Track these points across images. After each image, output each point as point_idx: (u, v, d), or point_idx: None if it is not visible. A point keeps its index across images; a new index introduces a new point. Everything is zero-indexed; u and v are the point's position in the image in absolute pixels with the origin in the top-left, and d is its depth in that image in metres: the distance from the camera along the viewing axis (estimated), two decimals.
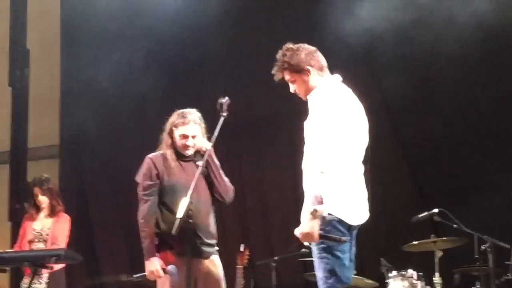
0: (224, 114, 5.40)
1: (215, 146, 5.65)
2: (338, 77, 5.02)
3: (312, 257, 7.66)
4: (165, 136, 5.85)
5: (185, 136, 5.75)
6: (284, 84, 9.47)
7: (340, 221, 4.72)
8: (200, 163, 5.52)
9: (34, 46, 11.14)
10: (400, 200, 8.83)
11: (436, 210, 7.13)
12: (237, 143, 9.69)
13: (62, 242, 7.81)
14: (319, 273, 4.75)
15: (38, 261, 6.59)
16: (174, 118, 5.84)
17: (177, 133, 5.78)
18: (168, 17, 9.60)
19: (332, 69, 5.11)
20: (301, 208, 9.39)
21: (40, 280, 7.64)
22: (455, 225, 7.12)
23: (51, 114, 10.98)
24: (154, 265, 5.60)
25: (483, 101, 8.54)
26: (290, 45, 5.05)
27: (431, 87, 8.77)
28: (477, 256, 7.21)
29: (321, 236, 4.59)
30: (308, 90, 4.94)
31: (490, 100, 8.49)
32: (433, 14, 8.53)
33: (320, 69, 4.97)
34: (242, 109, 9.15)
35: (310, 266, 8.19)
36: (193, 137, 5.76)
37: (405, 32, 8.55)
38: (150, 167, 5.77)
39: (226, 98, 5.44)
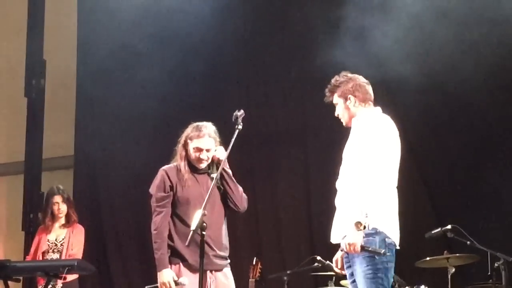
0: (239, 126, 5.43)
1: (229, 158, 5.68)
2: (379, 109, 5.41)
3: (322, 271, 7.73)
4: (179, 148, 5.87)
5: (199, 149, 5.77)
6: (298, 99, 9.60)
7: (395, 245, 5.09)
8: (214, 175, 5.55)
9: (51, 57, 11.19)
10: (413, 216, 8.80)
11: (449, 227, 7.10)
12: (251, 156, 9.69)
13: (78, 252, 7.83)
14: None
15: (51, 271, 6.60)
16: (189, 130, 5.86)
17: (191, 146, 5.79)
18: (185, 30, 9.63)
19: None
20: (313, 221, 9.45)
21: None
22: (468, 242, 7.09)
23: (66, 125, 11.01)
24: (166, 276, 5.60)
25: (499, 119, 8.53)
26: (346, 73, 5.52)
27: (447, 106, 8.75)
28: (490, 273, 7.19)
29: (363, 248, 4.85)
30: (349, 117, 5.41)
31: (506, 119, 8.48)
32: (448, 36, 8.55)
33: (363, 101, 5.39)
34: (256, 122, 9.19)
35: (321, 280, 8.23)
36: (207, 150, 5.78)
37: (420, 52, 8.58)
38: (164, 179, 5.79)
39: (242, 111, 5.47)
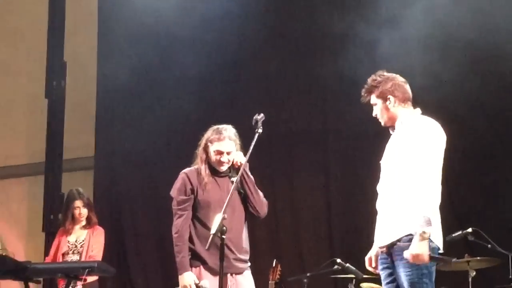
0: (259, 130, 5.40)
1: (249, 162, 5.68)
2: (418, 111, 5.31)
3: (342, 274, 7.72)
4: (200, 151, 5.87)
5: (220, 152, 5.77)
6: (318, 101, 9.58)
7: (438, 249, 5.02)
8: (234, 179, 5.55)
9: (71, 58, 11.23)
10: None
11: (470, 230, 7.07)
12: (270, 158, 9.69)
13: (98, 254, 7.85)
14: None
15: (71, 273, 6.62)
16: (209, 133, 5.86)
17: (212, 148, 5.79)
18: (205, 31, 9.65)
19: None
20: (333, 223, 9.44)
21: None
22: (489, 245, 7.06)
23: (87, 126, 11.05)
24: (187, 280, 5.61)
25: None
26: (383, 72, 5.36)
27: (465, 105, 8.72)
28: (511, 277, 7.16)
29: (431, 258, 4.80)
30: (388, 118, 5.29)
31: None
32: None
33: (403, 101, 5.26)
34: (276, 124, 9.18)
35: (341, 283, 8.23)
36: (228, 153, 5.77)
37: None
38: (185, 182, 5.79)
39: (262, 114, 5.44)
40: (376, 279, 7.54)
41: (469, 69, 8.55)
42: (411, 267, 4.86)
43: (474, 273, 7.38)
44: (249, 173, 5.83)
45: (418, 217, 4.78)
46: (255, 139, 5.38)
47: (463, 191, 8.69)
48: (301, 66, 9.73)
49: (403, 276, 4.93)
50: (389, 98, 5.22)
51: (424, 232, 4.74)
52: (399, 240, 4.94)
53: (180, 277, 5.65)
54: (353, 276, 7.66)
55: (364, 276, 7.57)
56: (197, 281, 5.61)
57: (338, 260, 7.61)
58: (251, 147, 5.40)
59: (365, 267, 7.64)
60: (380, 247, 5.14)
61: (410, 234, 4.84)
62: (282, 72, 9.87)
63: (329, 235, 9.46)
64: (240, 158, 5.78)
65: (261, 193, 5.87)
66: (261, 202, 5.86)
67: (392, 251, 5.01)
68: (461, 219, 8.36)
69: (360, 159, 9.47)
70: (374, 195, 8.99)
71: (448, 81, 8.50)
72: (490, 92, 8.56)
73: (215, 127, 5.89)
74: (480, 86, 8.55)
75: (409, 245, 4.80)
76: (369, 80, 5.34)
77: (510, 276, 7.15)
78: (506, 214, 8.41)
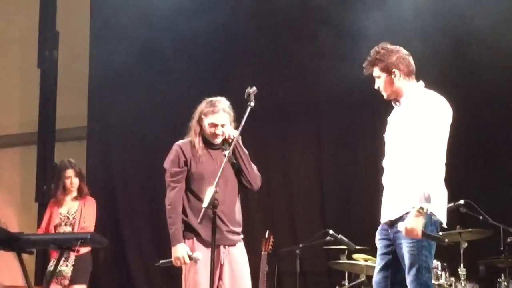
0: (252, 103, 5.39)
1: (242, 135, 5.68)
2: (422, 84, 5.26)
3: (334, 245, 7.75)
4: (193, 124, 5.84)
5: (214, 125, 5.76)
6: (311, 72, 9.57)
7: (441, 224, 5.04)
8: (226, 152, 5.55)
9: (64, 28, 11.18)
10: None
11: (462, 201, 7.12)
12: (263, 131, 9.69)
13: (90, 225, 7.85)
14: (413, 268, 4.92)
15: (64, 244, 6.61)
16: (203, 106, 5.84)
17: (206, 121, 5.78)
18: (198, 5, 9.60)
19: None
20: (326, 195, 9.46)
21: (67, 263, 7.69)
22: (481, 217, 7.10)
23: (79, 96, 11.02)
24: (180, 251, 5.62)
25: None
26: (386, 44, 5.27)
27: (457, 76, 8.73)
28: (503, 248, 7.20)
29: (425, 234, 4.80)
30: (392, 92, 5.22)
31: None
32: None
33: (408, 74, 5.20)
34: (269, 95, 9.16)
35: (333, 254, 8.26)
36: (222, 125, 5.76)
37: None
38: (179, 154, 5.78)
39: (254, 88, 5.42)
40: (368, 251, 7.60)
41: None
42: (411, 239, 4.88)
43: (466, 244, 7.43)
44: (242, 146, 5.83)
45: (418, 193, 4.80)
46: (247, 112, 5.37)
47: (455, 162, 8.70)
48: (293, 39, 9.71)
49: (404, 247, 4.95)
50: (394, 72, 5.16)
51: (421, 208, 4.76)
52: (403, 216, 4.95)
53: (173, 248, 5.66)
54: (345, 247, 7.71)
55: (357, 247, 7.62)
56: (190, 253, 5.62)
57: (331, 232, 7.64)
58: (243, 120, 5.40)
59: (357, 238, 7.73)
60: (385, 222, 5.14)
61: None
62: (274, 46, 9.83)
63: (321, 207, 9.49)
64: (232, 132, 5.77)
65: (254, 166, 5.88)
66: (254, 175, 5.86)
67: (394, 225, 5.01)
68: (453, 191, 8.37)
69: (353, 130, 9.50)
70: (367, 167, 9.13)
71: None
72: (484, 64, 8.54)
73: (209, 99, 5.87)
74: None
75: None
76: (373, 52, 5.26)
77: (501, 248, 7.20)
78: (498, 186, 8.44)
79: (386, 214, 5.14)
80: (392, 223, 5.04)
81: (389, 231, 5.10)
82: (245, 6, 9.81)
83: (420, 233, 4.77)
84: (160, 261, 5.84)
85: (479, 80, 8.57)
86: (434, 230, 4.92)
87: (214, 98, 5.88)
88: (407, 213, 4.88)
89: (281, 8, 9.68)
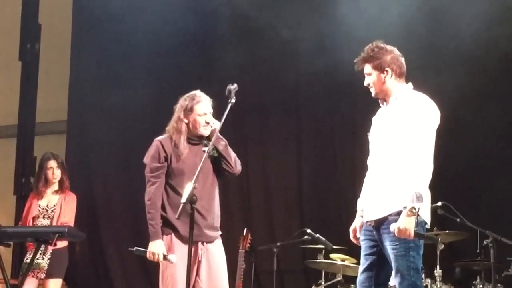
0: (232, 100, 5.38)
1: (222, 132, 5.68)
2: (410, 85, 5.28)
3: (312, 244, 7.75)
4: (176, 123, 5.81)
5: (205, 113, 5.76)
6: (292, 69, 9.56)
7: (425, 224, 5.04)
8: (206, 148, 5.53)
9: (46, 21, 11.15)
10: None
11: (439, 203, 7.13)
12: (243, 129, 9.70)
13: (70, 220, 7.80)
14: (401, 269, 4.95)
15: (41, 237, 6.61)
16: (186, 102, 5.78)
17: (196, 112, 5.75)
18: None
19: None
20: (304, 194, 9.46)
21: (43, 256, 7.65)
22: (458, 219, 7.12)
23: (60, 89, 11.01)
24: (157, 248, 5.60)
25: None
26: (380, 43, 5.28)
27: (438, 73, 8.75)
28: (479, 251, 7.23)
29: (417, 234, 4.82)
30: (381, 90, 5.23)
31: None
32: None
33: (399, 75, 5.23)
34: (249, 92, 9.16)
35: (310, 253, 8.28)
36: (211, 113, 5.78)
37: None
38: (159, 149, 5.76)
39: (235, 85, 5.42)
40: (345, 250, 7.62)
41: None
42: (398, 240, 4.89)
43: (443, 246, 7.46)
44: (222, 138, 5.81)
45: (409, 192, 4.81)
46: (228, 109, 5.37)
47: (434, 166, 8.74)
48: (275, 35, 9.70)
49: (389, 249, 4.97)
50: (386, 71, 5.17)
51: (413, 208, 4.78)
52: (389, 215, 4.96)
53: (150, 243, 5.65)
54: (322, 246, 7.72)
55: (334, 247, 7.64)
56: (165, 253, 5.61)
57: (308, 231, 7.65)
58: (224, 117, 5.40)
59: (335, 238, 7.75)
60: (368, 221, 5.14)
61: (401, 211, 4.85)
62: (255, 41, 9.82)
63: (300, 206, 9.52)
64: (215, 121, 5.77)
65: (234, 154, 5.87)
66: (235, 158, 5.86)
67: (380, 226, 5.03)
68: (431, 192, 8.42)
69: (332, 130, 9.52)
70: (346, 167, 9.15)
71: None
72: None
73: (186, 96, 5.85)
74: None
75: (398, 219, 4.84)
76: (367, 49, 5.25)
77: (478, 250, 7.23)
78: (475, 189, 8.49)
79: (371, 213, 5.13)
80: (377, 223, 5.05)
81: (374, 232, 5.11)
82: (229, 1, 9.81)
83: (412, 233, 4.79)
84: (135, 247, 5.84)
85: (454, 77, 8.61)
86: (420, 230, 4.91)
87: (190, 93, 5.88)
88: (394, 213, 4.91)
89: (267, 6, 9.67)
